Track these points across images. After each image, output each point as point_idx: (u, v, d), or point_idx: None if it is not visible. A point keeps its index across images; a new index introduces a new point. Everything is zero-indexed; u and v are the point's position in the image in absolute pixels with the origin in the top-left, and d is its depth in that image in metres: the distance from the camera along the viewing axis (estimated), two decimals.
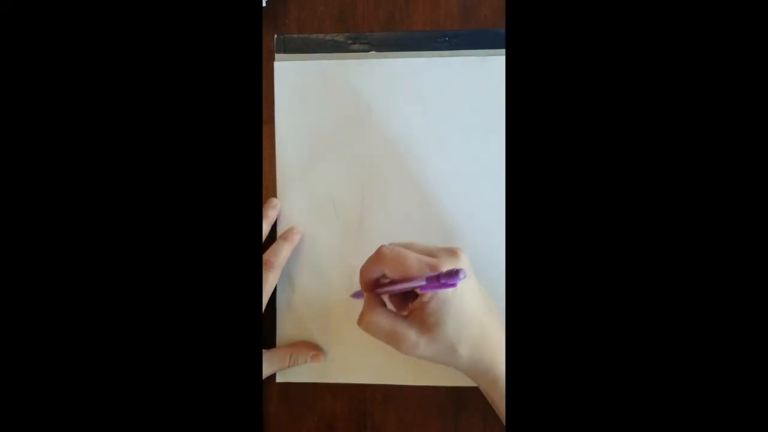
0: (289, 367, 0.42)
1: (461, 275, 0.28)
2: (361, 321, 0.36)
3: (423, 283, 0.31)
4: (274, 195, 0.43)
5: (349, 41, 0.43)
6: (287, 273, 0.43)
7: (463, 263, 0.34)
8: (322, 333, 0.43)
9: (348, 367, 0.42)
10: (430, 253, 0.35)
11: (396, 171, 0.42)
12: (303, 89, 0.43)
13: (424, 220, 0.42)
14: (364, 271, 0.35)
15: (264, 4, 0.43)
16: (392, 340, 0.35)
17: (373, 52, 0.43)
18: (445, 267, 0.33)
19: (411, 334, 0.34)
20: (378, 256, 0.35)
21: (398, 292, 0.35)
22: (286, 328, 0.43)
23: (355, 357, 0.43)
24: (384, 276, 0.35)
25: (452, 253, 0.35)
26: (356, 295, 0.41)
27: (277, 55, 0.43)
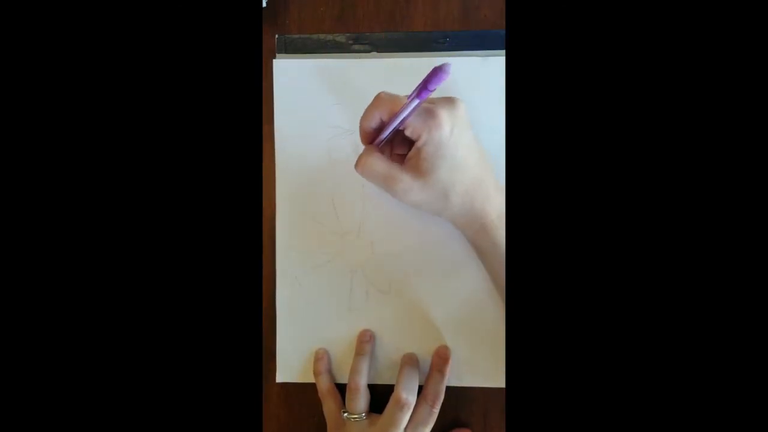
0: None
1: (446, 68, 0.28)
2: (358, 164, 0.36)
3: (414, 102, 0.31)
4: (274, 195, 0.43)
5: (350, 42, 0.43)
6: (287, 273, 0.43)
7: (459, 109, 0.35)
8: (322, 333, 0.43)
9: (348, 367, 0.42)
10: (429, 102, 0.35)
11: None
12: (303, 89, 0.43)
13: (425, 219, 0.42)
14: (363, 119, 0.36)
15: (264, 5, 0.43)
16: (387, 182, 0.35)
17: (373, 53, 0.43)
18: (442, 110, 0.33)
19: (406, 177, 0.35)
20: (375, 101, 0.35)
21: (393, 131, 0.35)
22: (286, 328, 0.43)
23: None
24: (382, 125, 0.35)
25: (449, 100, 0.35)
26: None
27: (277, 55, 0.43)
